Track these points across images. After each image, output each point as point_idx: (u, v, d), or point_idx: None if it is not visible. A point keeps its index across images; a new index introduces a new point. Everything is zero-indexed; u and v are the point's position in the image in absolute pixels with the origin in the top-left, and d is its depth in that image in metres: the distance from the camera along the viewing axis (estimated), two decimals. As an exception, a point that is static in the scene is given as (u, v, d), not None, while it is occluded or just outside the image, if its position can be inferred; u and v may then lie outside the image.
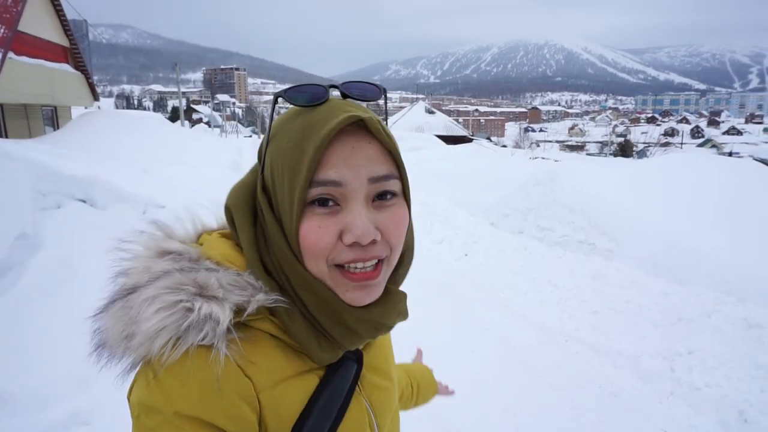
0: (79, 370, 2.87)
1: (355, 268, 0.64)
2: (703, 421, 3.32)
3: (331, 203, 0.63)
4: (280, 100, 0.68)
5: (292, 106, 0.67)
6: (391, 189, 0.66)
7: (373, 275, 0.65)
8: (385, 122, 0.69)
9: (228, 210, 0.71)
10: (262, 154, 0.70)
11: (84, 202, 5.20)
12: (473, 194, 10.09)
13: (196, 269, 0.64)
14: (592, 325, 4.70)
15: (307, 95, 0.65)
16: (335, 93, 0.68)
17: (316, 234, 0.62)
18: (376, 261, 0.65)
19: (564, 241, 6.75)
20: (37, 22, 14.82)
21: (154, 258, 0.66)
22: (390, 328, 0.72)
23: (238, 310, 0.62)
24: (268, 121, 0.68)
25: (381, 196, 0.65)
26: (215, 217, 0.77)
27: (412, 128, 37.36)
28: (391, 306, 0.70)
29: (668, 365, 3.92)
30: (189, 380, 0.57)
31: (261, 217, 0.68)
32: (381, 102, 0.73)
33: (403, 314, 0.74)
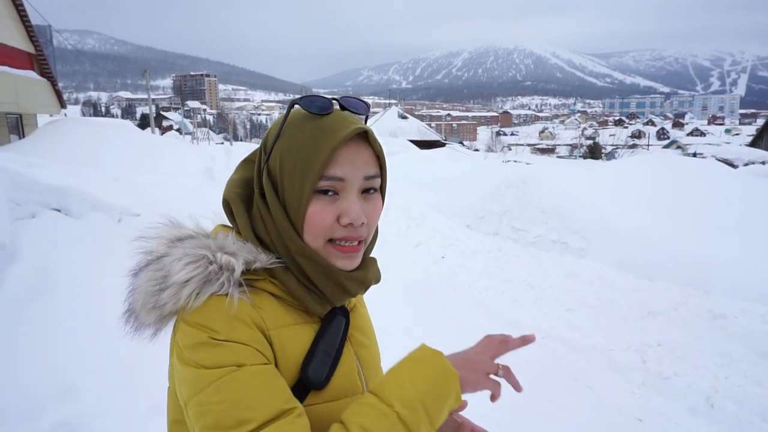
0: (65, 380, 2.87)
1: (345, 243, 0.83)
2: (673, 409, 3.48)
3: (331, 193, 0.81)
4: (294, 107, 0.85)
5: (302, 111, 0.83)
6: (376, 186, 0.86)
7: (357, 249, 0.85)
8: None
9: (225, 202, 0.88)
10: (268, 145, 0.85)
11: (59, 211, 5.12)
12: (448, 197, 10.23)
13: (213, 237, 0.82)
14: (567, 322, 4.85)
15: (320, 105, 0.83)
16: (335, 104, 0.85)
17: (320, 216, 0.80)
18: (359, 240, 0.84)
19: (538, 242, 6.92)
20: (1, 28, 14.46)
21: (172, 242, 0.82)
22: (368, 286, 0.92)
23: (245, 268, 0.78)
24: (282, 119, 0.85)
25: (367, 191, 0.84)
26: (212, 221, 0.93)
27: (386, 133, 37.47)
28: (368, 269, 0.90)
29: (639, 357, 4.09)
30: (212, 314, 0.74)
31: (259, 200, 0.84)
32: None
33: (377, 277, 0.94)
